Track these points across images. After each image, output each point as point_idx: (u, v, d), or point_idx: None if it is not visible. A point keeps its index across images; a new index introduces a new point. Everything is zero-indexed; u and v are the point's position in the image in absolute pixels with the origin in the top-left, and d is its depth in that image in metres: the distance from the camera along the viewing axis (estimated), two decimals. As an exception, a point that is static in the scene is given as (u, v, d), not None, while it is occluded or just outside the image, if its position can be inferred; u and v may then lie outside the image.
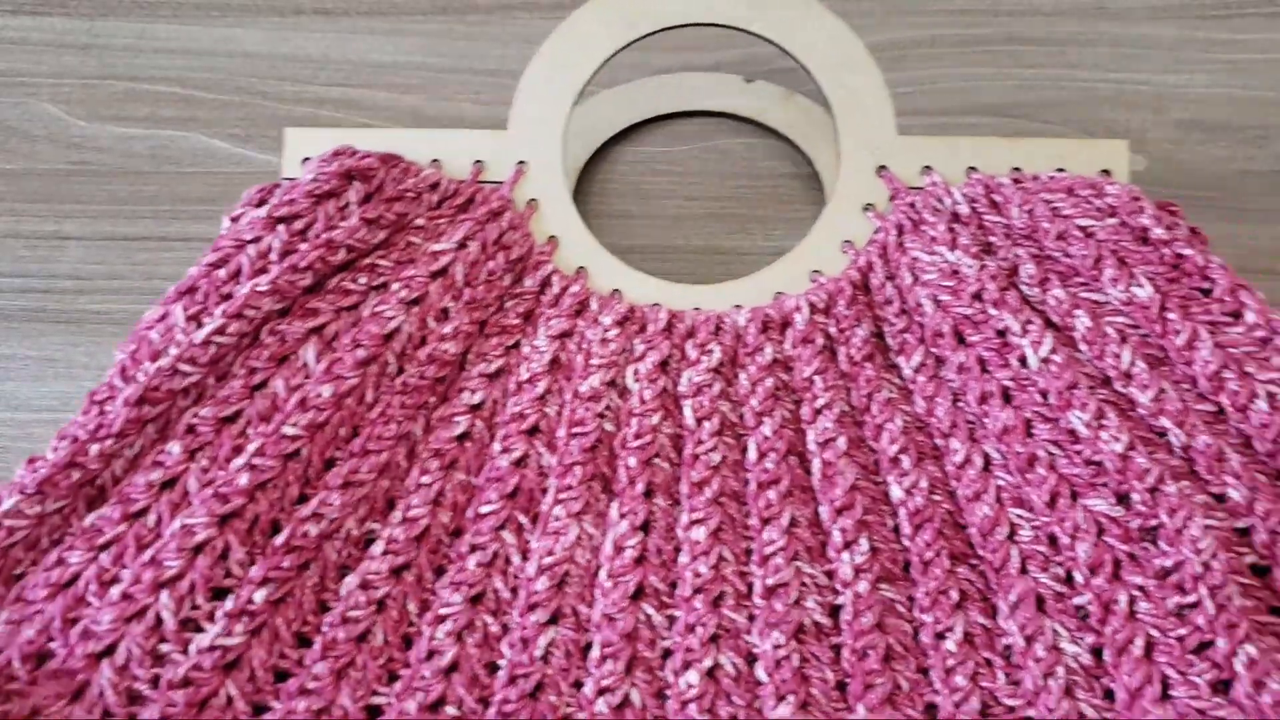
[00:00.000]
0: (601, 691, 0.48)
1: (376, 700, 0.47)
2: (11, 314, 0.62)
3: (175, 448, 0.49)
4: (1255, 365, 0.50)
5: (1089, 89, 0.63)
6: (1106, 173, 0.57)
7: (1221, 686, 0.45)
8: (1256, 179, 0.65)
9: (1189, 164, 0.65)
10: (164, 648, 0.45)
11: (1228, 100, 0.67)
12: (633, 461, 0.52)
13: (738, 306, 0.56)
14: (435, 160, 0.58)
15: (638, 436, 0.53)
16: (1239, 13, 0.68)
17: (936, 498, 0.51)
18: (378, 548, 0.50)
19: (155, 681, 0.45)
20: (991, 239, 0.55)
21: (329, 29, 0.69)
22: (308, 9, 0.70)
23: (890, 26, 0.69)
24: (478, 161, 0.58)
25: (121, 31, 0.69)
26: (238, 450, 0.49)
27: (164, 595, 0.46)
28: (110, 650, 0.45)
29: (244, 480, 0.48)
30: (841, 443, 0.52)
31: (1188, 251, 0.52)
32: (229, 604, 0.47)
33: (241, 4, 0.70)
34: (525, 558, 0.51)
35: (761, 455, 0.52)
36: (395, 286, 0.53)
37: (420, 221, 0.55)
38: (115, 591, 0.46)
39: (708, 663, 0.48)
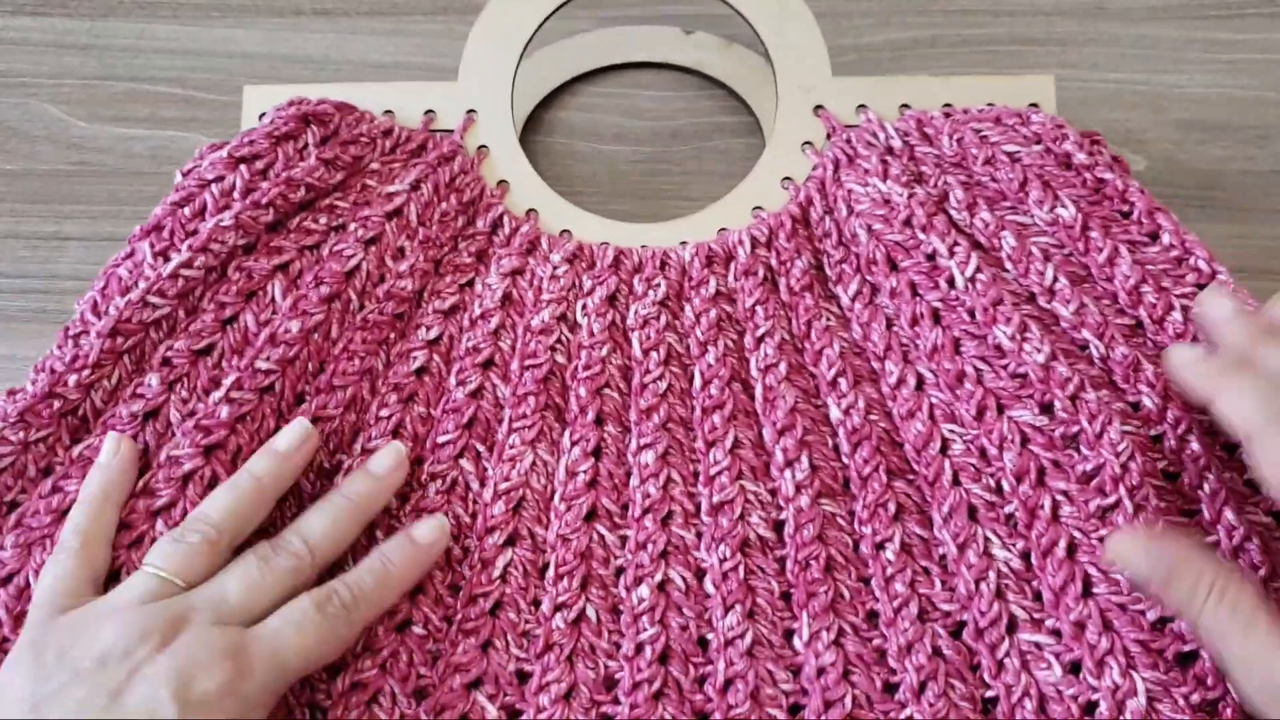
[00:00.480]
0: (558, 608, 0.50)
1: None
2: (11, 314, 0.63)
3: (154, 380, 0.51)
4: (1171, 281, 0.53)
5: (1089, 89, 0.63)
6: (1035, 106, 0.60)
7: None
8: (1256, 179, 0.65)
9: (1189, 164, 0.65)
10: None
11: (1228, 100, 0.67)
12: (583, 391, 0.55)
13: (683, 243, 0.59)
14: (388, 111, 0.61)
15: (588, 367, 0.55)
16: (1239, 13, 0.68)
17: (873, 417, 0.54)
18: (339, 477, 0.52)
19: None
20: (923, 169, 0.58)
21: (329, 29, 0.70)
22: (308, 9, 0.70)
23: (890, 26, 0.69)
24: (428, 111, 0.61)
25: (121, 32, 0.69)
26: (214, 382, 0.52)
27: (159, 523, 0.48)
28: (114, 575, 0.48)
29: (224, 413, 0.50)
30: (782, 368, 0.55)
31: (1108, 176, 0.55)
32: None
33: (241, 4, 0.70)
34: (483, 484, 0.53)
35: (706, 382, 0.55)
36: (353, 227, 0.56)
37: (375, 166, 0.58)
38: None
39: (658, 577, 0.51)
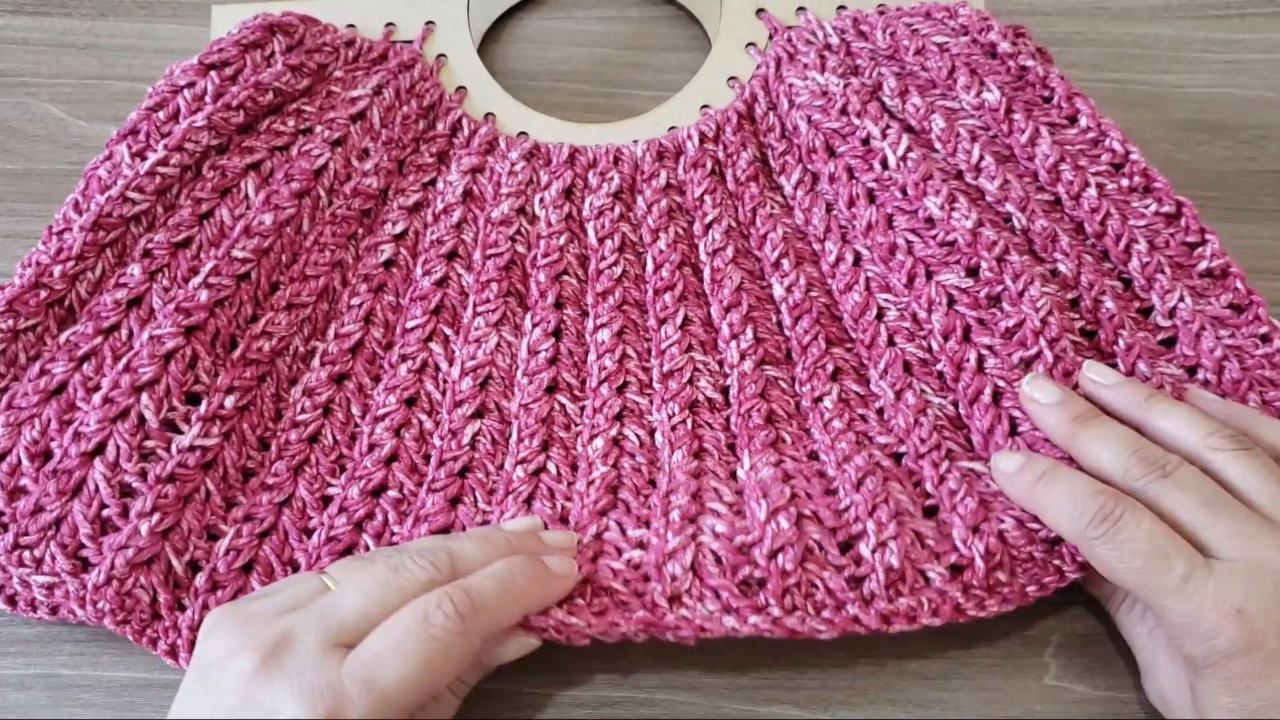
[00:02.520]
0: (519, 463, 0.54)
1: (330, 491, 0.54)
2: None
3: (135, 270, 0.55)
4: (1088, 160, 0.56)
5: (1089, 89, 0.60)
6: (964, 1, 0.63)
7: None
8: (1256, 179, 0.65)
9: (1189, 164, 0.65)
10: (149, 444, 0.52)
11: (1228, 100, 0.67)
12: (543, 277, 0.58)
13: (635, 140, 0.62)
14: (351, 25, 0.64)
15: (546, 255, 0.59)
16: (1239, 13, 0.69)
17: (814, 294, 0.57)
18: (316, 361, 0.56)
19: (144, 475, 0.51)
20: (858, 62, 0.61)
21: None
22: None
23: None
24: (389, 23, 0.64)
25: (121, 31, 0.69)
26: (193, 271, 0.55)
27: (144, 397, 0.52)
28: (101, 448, 0.51)
29: (203, 296, 0.54)
30: (729, 252, 0.58)
31: (1030, 63, 0.59)
32: (203, 408, 0.53)
33: (242, 4, 0.71)
34: (450, 364, 0.56)
35: (658, 266, 0.58)
36: (319, 129, 0.59)
37: (339, 73, 0.61)
38: (98, 397, 0.52)
39: (613, 433, 0.54)
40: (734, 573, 0.47)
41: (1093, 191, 0.55)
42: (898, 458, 0.53)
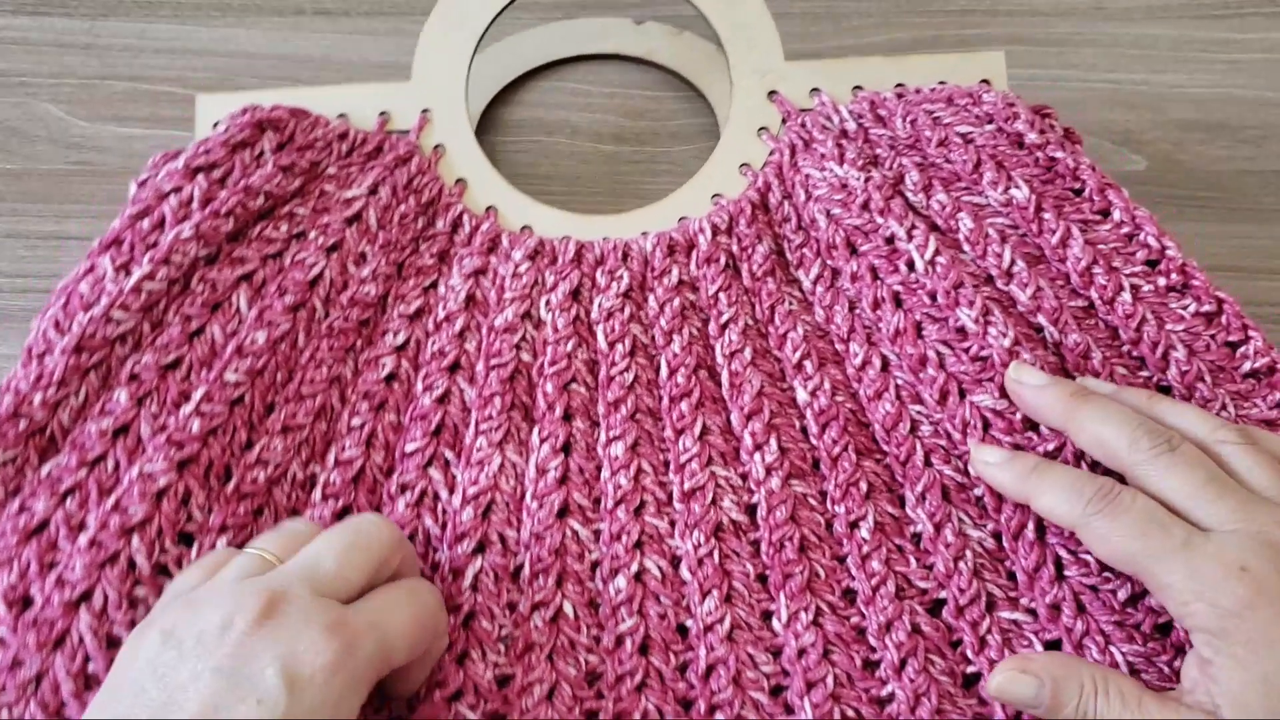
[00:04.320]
0: (535, 607, 0.51)
1: None
2: (12, 314, 0.63)
3: (122, 395, 0.51)
4: (1121, 260, 0.54)
5: (1089, 89, 0.63)
6: (986, 83, 0.60)
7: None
8: (1256, 179, 0.65)
9: (1189, 164, 0.65)
10: (139, 591, 0.48)
11: (1228, 100, 0.67)
12: (550, 388, 0.55)
13: (644, 233, 0.59)
14: (342, 115, 0.60)
15: (553, 363, 0.55)
16: (1239, 13, 0.69)
17: (840, 398, 0.54)
18: (317, 493, 0.52)
19: (133, 625, 0.47)
20: (878, 151, 0.58)
21: (329, 29, 0.70)
22: (308, 9, 0.70)
23: (890, 26, 0.70)
24: (383, 113, 0.61)
25: (122, 31, 0.69)
26: (184, 396, 0.52)
27: (135, 540, 0.48)
28: (87, 596, 0.47)
29: (195, 426, 0.50)
30: (747, 353, 0.55)
31: (1059, 154, 0.56)
32: (193, 553, 0.49)
33: (241, 4, 0.70)
34: (451, 492, 0.53)
35: (672, 371, 0.55)
36: (313, 234, 0.56)
37: (332, 170, 0.58)
38: (84, 539, 0.48)
39: (634, 567, 0.51)
40: None
41: (1127, 296, 0.53)
42: (937, 605, 0.50)
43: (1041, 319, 0.53)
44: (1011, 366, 0.51)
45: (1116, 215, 0.55)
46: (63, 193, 0.61)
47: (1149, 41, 0.68)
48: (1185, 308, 0.53)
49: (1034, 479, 0.48)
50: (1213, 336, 0.53)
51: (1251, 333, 0.52)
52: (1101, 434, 0.47)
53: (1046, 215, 0.54)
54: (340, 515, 0.52)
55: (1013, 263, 0.54)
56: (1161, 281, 0.53)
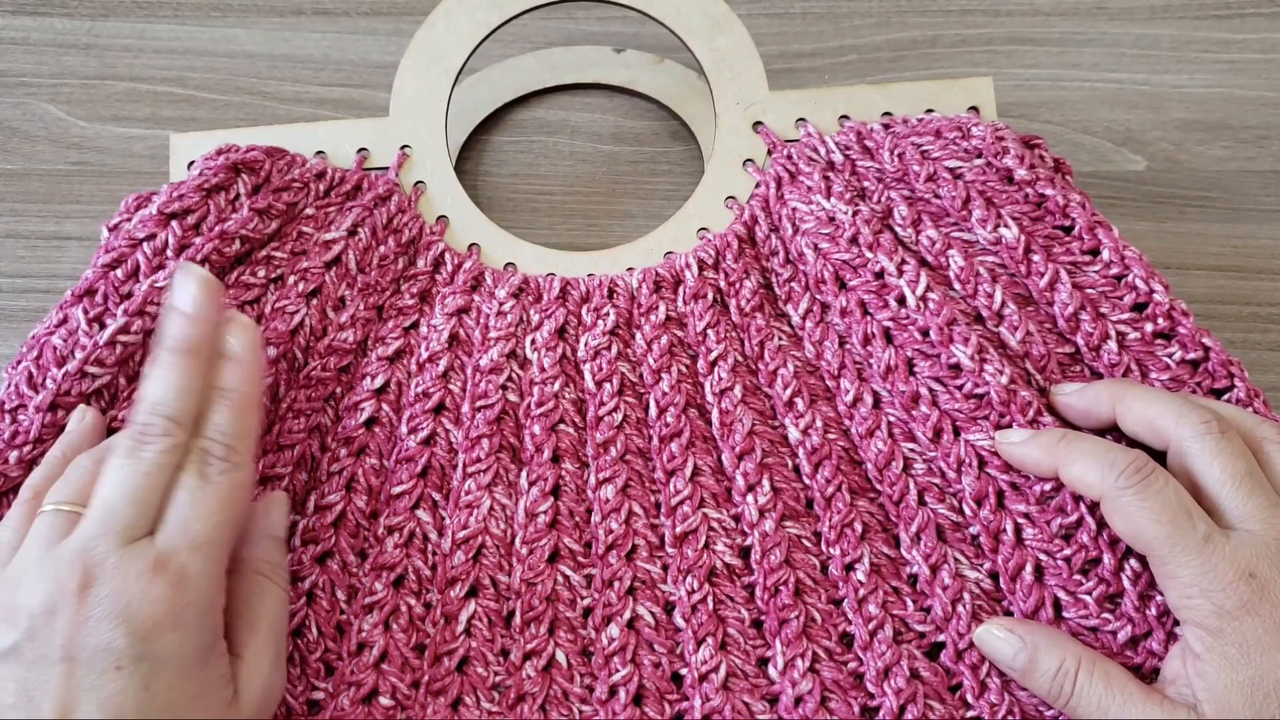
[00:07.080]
0: (528, 656, 0.50)
1: (316, 695, 0.49)
2: (13, 314, 0.63)
3: None
4: (1109, 305, 0.53)
5: (1089, 89, 0.63)
6: (975, 110, 0.59)
7: (1109, 601, 0.48)
8: (1256, 179, 0.65)
9: (1189, 164, 0.65)
10: None
11: (1228, 100, 0.67)
12: (537, 429, 0.54)
13: (630, 269, 0.58)
14: (320, 152, 0.59)
15: (540, 404, 0.54)
16: (1239, 13, 0.69)
17: (832, 436, 0.53)
18: (297, 539, 0.51)
19: None
20: (865, 184, 0.57)
21: (329, 29, 0.69)
22: (308, 9, 0.70)
23: (890, 26, 0.69)
24: (361, 150, 0.59)
25: (122, 31, 0.69)
26: None
27: None
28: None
29: None
30: (737, 391, 0.54)
31: (1049, 191, 0.55)
32: None
33: (241, 4, 0.70)
34: (441, 534, 0.52)
35: (662, 410, 0.54)
36: (292, 279, 0.54)
37: (310, 211, 0.56)
38: None
39: (627, 615, 0.50)
40: None
41: (1113, 345, 0.52)
42: (935, 649, 0.49)
43: (1028, 366, 0.52)
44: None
45: (1106, 255, 0.54)
46: (63, 193, 0.61)
47: (1150, 41, 0.68)
48: (1170, 355, 0.52)
49: (1063, 448, 0.48)
50: (1198, 384, 0.52)
51: (1237, 381, 0.52)
52: (1149, 412, 0.47)
53: (1035, 257, 0.53)
54: (320, 560, 0.51)
55: (1004, 304, 0.53)
56: (1149, 327, 0.52)
